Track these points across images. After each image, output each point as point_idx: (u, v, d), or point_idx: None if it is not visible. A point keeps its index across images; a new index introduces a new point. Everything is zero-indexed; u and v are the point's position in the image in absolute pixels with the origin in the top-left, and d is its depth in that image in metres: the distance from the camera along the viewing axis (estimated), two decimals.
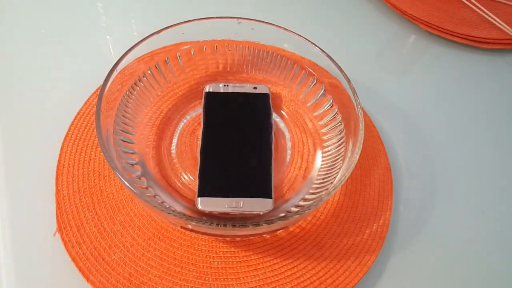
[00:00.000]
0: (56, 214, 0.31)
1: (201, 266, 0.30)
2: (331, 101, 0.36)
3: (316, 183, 0.34)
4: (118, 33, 0.47)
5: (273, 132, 0.36)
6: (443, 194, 0.37)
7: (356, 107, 0.31)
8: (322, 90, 0.37)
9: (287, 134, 0.37)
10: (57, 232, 0.31)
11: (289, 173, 0.35)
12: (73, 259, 0.29)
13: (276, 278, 0.30)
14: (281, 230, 0.31)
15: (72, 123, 0.37)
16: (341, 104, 0.35)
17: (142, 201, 0.26)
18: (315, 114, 0.38)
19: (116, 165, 0.27)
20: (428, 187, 0.38)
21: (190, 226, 0.27)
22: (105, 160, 0.32)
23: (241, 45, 0.39)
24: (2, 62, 0.42)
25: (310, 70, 0.37)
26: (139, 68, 0.35)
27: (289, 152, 0.36)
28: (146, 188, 0.32)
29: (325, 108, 0.37)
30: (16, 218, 0.32)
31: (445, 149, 0.41)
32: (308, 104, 0.38)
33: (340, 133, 0.34)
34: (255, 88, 0.38)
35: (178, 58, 0.38)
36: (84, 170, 0.34)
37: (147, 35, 0.34)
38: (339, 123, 0.35)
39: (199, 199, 0.31)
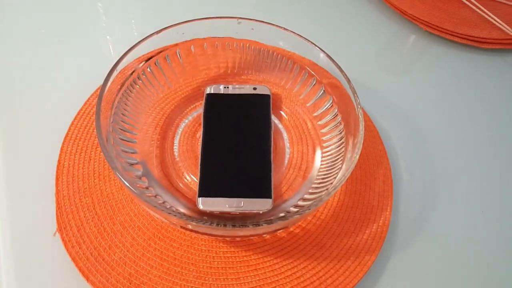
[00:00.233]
0: (56, 214, 0.31)
1: (201, 266, 0.30)
2: (331, 101, 0.36)
3: (315, 183, 0.34)
4: (118, 33, 0.47)
5: (273, 132, 0.36)
6: (443, 194, 0.37)
7: (356, 107, 0.31)
8: (322, 90, 0.37)
9: (286, 135, 0.37)
10: (57, 232, 0.31)
11: (288, 173, 0.35)
12: (73, 259, 0.29)
13: (276, 278, 0.30)
14: (281, 230, 0.31)
15: (72, 123, 0.37)
16: (341, 104, 0.35)
17: (142, 201, 0.26)
18: (315, 114, 0.38)
19: (116, 165, 0.27)
20: (428, 187, 0.38)
21: (190, 226, 0.27)
22: (105, 160, 0.32)
23: (241, 45, 0.39)
24: (2, 62, 0.42)
25: (310, 70, 0.37)
26: (140, 68, 0.35)
27: (288, 151, 0.36)
28: (147, 188, 0.32)
29: (325, 108, 0.37)
30: (16, 218, 0.32)
31: (445, 149, 0.41)
32: (307, 105, 0.38)
33: (340, 133, 0.34)
34: (255, 88, 0.38)
35: (179, 57, 0.38)
36: (84, 170, 0.34)
37: (147, 35, 0.34)
38: (339, 123, 0.35)
39: (200, 199, 0.31)
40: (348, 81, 0.33)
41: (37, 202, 0.33)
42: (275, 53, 0.39)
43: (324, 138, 0.36)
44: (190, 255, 0.31)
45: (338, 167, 0.32)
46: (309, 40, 0.35)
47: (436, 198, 0.37)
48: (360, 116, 0.31)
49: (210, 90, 0.38)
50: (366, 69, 0.47)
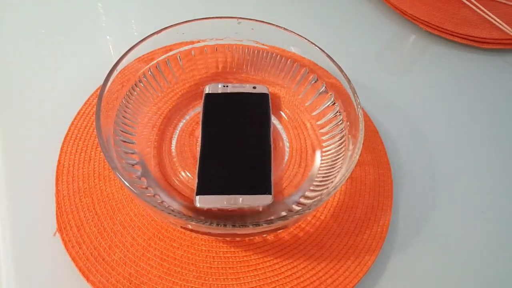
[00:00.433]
0: (56, 214, 0.31)
1: (201, 266, 0.30)
2: (331, 100, 0.36)
3: (316, 181, 0.34)
4: (118, 33, 0.47)
5: (272, 131, 0.36)
6: (443, 194, 0.37)
7: (356, 107, 0.31)
8: (322, 90, 0.37)
9: (285, 135, 0.37)
10: (57, 232, 0.31)
11: (288, 171, 0.35)
12: (73, 259, 0.29)
13: (276, 278, 0.30)
14: (281, 230, 0.31)
15: (72, 123, 0.37)
16: (341, 104, 0.35)
17: (142, 201, 0.26)
18: (313, 113, 0.38)
19: (116, 165, 0.27)
20: (428, 187, 0.38)
21: (190, 226, 0.27)
22: (105, 160, 0.32)
23: (241, 45, 0.39)
24: (2, 62, 0.42)
25: (310, 70, 0.37)
26: (139, 68, 0.35)
27: (287, 150, 0.36)
28: (146, 188, 0.32)
29: (325, 107, 0.37)
30: (16, 218, 0.32)
31: (445, 149, 0.41)
32: (306, 104, 0.38)
33: (341, 133, 0.34)
34: (254, 88, 0.38)
35: (178, 58, 0.38)
36: (84, 170, 0.34)
37: (147, 35, 0.34)
38: (340, 122, 0.35)
39: (197, 197, 0.31)
40: (348, 81, 0.33)
41: (37, 202, 0.33)
42: (275, 53, 0.39)
43: (324, 137, 0.36)
44: (190, 255, 0.31)
45: (338, 166, 0.32)
46: (309, 40, 0.35)
47: (436, 198, 0.37)
48: (360, 116, 0.31)
49: (209, 89, 0.38)
50: (366, 69, 0.47)
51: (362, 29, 0.52)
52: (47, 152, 0.35)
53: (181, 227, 0.28)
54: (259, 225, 0.25)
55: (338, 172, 0.31)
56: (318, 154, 0.36)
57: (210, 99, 0.37)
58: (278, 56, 0.39)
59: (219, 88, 0.38)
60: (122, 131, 0.33)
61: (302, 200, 0.33)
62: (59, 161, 0.34)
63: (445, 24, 0.50)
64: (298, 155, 0.36)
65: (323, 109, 0.37)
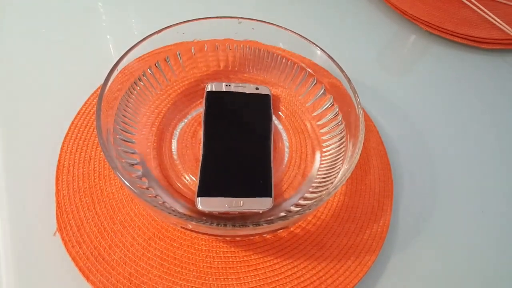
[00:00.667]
0: (56, 214, 0.31)
1: (201, 266, 0.30)
2: (331, 100, 0.36)
3: (316, 182, 0.34)
4: (118, 33, 0.47)
5: (273, 132, 0.36)
6: (443, 194, 0.37)
7: (356, 107, 0.31)
8: (322, 90, 0.37)
9: (285, 135, 0.37)
10: (57, 232, 0.31)
11: (288, 172, 0.35)
12: (73, 259, 0.29)
13: (276, 278, 0.30)
14: (281, 230, 0.31)
15: (72, 123, 0.37)
16: (342, 104, 0.35)
17: (142, 201, 0.26)
18: (314, 114, 0.38)
19: (116, 165, 0.27)
20: (428, 187, 0.38)
21: (190, 226, 0.27)
22: (105, 160, 0.32)
23: (241, 45, 0.39)
24: (2, 62, 0.42)
25: (310, 70, 0.37)
26: (140, 68, 0.35)
27: (287, 151, 0.36)
28: (147, 188, 0.32)
29: (325, 107, 0.37)
30: (16, 218, 0.32)
31: (445, 149, 0.41)
32: (307, 105, 0.38)
33: (341, 133, 0.34)
34: (257, 88, 0.38)
35: (179, 57, 0.38)
36: (84, 169, 0.34)
37: (147, 35, 0.34)
38: (340, 123, 0.35)
39: (198, 199, 0.31)
40: (349, 81, 0.33)
41: (37, 202, 0.33)
42: (275, 53, 0.39)
43: (324, 138, 0.36)
44: (190, 255, 0.30)
45: (338, 167, 0.32)
46: (309, 40, 0.35)
47: (436, 198, 0.37)
48: (360, 116, 0.31)
49: (211, 87, 0.38)
50: (367, 69, 0.47)
51: (363, 29, 0.52)
52: (47, 152, 0.35)
53: (181, 227, 0.28)
54: (259, 225, 0.25)
55: (338, 172, 0.31)
56: (318, 155, 0.36)
57: (212, 97, 0.37)
58: (279, 56, 0.39)
59: (221, 87, 0.38)
60: (122, 130, 0.33)
61: (301, 201, 0.33)
62: (59, 160, 0.34)
63: (445, 24, 0.50)
64: (298, 156, 0.36)
65: (323, 110, 0.37)
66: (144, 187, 0.31)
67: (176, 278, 0.29)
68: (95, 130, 0.35)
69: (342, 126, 0.34)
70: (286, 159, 0.36)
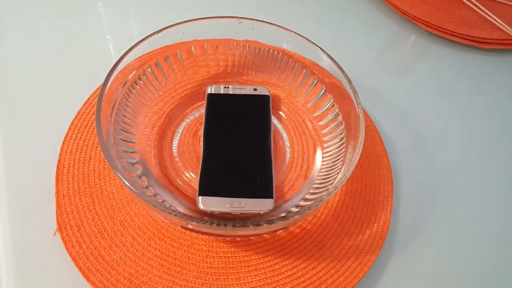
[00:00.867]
0: (56, 214, 0.31)
1: (201, 266, 0.30)
2: (331, 100, 0.36)
3: (316, 183, 0.34)
4: (118, 33, 0.47)
5: (272, 132, 0.36)
6: (443, 194, 0.37)
7: (356, 107, 0.31)
8: (323, 90, 0.37)
9: (286, 135, 0.37)
10: (57, 232, 0.31)
11: (289, 173, 0.35)
12: (73, 259, 0.29)
13: (276, 278, 0.30)
14: (282, 230, 0.31)
15: (72, 123, 0.37)
16: (342, 104, 0.35)
17: (142, 201, 0.26)
18: (315, 114, 0.38)
19: (116, 165, 0.27)
20: (428, 187, 0.38)
21: (190, 226, 0.27)
22: (105, 160, 0.32)
23: (241, 45, 0.39)
24: (2, 62, 0.42)
25: (311, 70, 0.37)
26: (140, 67, 0.35)
27: (288, 151, 0.36)
28: (147, 187, 0.32)
29: (326, 107, 0.37)
30: (16, 218, 0.32)
31: (445, 149, 0.41)
32: (308, 105, 0.38)
33: (341, 133, 0.34)
34: (255, 89, 0.38)
35: (179, 57, 0.38)
36: (84, 169, 0.34)
37: (147, 35, 0.34)
38: (340, 123, 0.35)
39: (200, 197, 0.31)
40: (349, 81, 0.33)
41: (37, 202, 0.33)
42: (275, 53, 0.39)
43: (325, 138, 0.36)
44: (190, 255, 0.30)
45: (338, 167, 0.32)
46: (309, 40, 0.35)
47: (436, 198, 0.37)
48: (360, 116, 0.31)
49: (211, 90, 0.38)
50: (367, 69, 0.47)
51: (363, 29, 0.52)
52: (47, 152, 0.35)
53: (182, 227, 0.28)
54: (259, 225, 0.25)
55: (338, 172, 0.31)
56: (319, 154, 0.36)
57: (213, 99, 0.37)
58: (279, 56, 0.39)
59: (220, 89, 0.38)
60: (122, 130, 0.33)
61: (302, 202, 0.33)
62: (59, 161, 0.34)
63: (445, 24, 0.50)
64: (300, 157, 0.36)
65: (323, 110, 0.37)
66: (144, 186, 0.31)
67: (176, 278, 0.29)
68: (95, 130, 0.35)
69: (343, 126, 0.34)
70: (287, 159, 0.36)
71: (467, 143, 0.42)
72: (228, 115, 0.37)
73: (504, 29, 0.50)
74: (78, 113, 0.37)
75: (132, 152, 0.33)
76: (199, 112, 0.38)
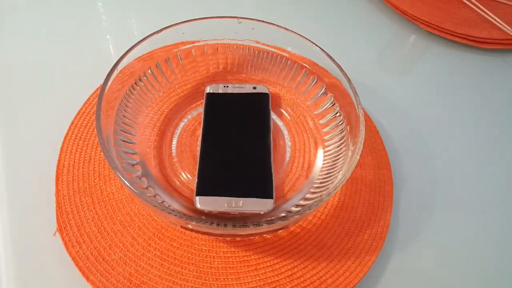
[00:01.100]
0: (56, 214, 0.31)
1: (201, 266, 0.30)
2: (332, 99, 0.36)
3: (316, 183, 0.34)
4: (118, 33, 0.47)
5: (272, 131, 0.36)
6: (443, 194, 0.37)
7: (356, 107, 0.31)
8: (323, 90, 0.37)
9: (286, 134, 0.37)
10: (57, 232, 0.31)
11: (290, 173, 0.35)
12: (73, 259, 0.29)
13: (276, 278, 0.30)
14: (282, 230, 0.31)
15: (72, 123, 0.37)
16: (342, 103, 0.35)
17: (142, 201, 0.26)
18: (316, 112, 0.38)
19: (116, 165, 0.27)
20: (428, 187, 0.38)
21: (190, 226, 0.27)
22: (105, 160, 0.32)
23: (241, 45, 0.39)
24: (2, 62, 0.42)
25: (311, 70, 0.37)
26: (140, 67, 0.35)
27: (288, 150, 0.36)
28: (147, 188, 0.32)
29: (326, 106, 0.37)
30: (16, 218, 0.32)
31: (445, 149, 0.41)
32: (308, 103, 0.38)
33: (342, 133, 0.34)
34: (254, 88, 0.38)
35: (179, 57, 0.38)
36: (84, 169, 0.34)
37: (147, 35, 0.34)
38: (341, 122, 0.35)
39: (197, 197, 0.31)
40: (349, 81, 0.33)
41: (37, 202, 0.33)
42: (275, 53, 0.39)
43: (326, 137, 0.36)
44: (190, 255, 0.30)
45: (339, 167, 0.32)
46: (309, 40, 0.35)
47: (436, 198, 0.37)
48: (360, 116, 0.31)
49: (210, 89, 0.38)
50: (367, 68, 0.47)
51: (362, 29, 0.52)
52: (47, 152, 0.35)
53: (181, 227, 0.28)
54: (259, 225, 0.25)
55: (338, 172, 0.31)
56: (320, 153, 0.36)
57: (211, 99, 0.37)
58: (279, 55, 0.39)
59: (219, 88, 0.38)
60: (122, 131, 0.33)
61: (302, 202, 0.33)
62: (59, 161, 0.34)
63: (445, 24, 0.50)
64: (301, 156, 0.36)
65: (324, 109, 0.37)
66: (144, 186, 0.31)
67: (176, 278, 0.29)
68: (95, 130, 0.35)
69: (343, 126, 0.34)
70: (287, 158, 0.36)
71: (467, 143, 0.42)
72: (227, 114, 0.37)
73: (504, 29, 0.50)
74: (78, 113, 0.37)
75: (132, 153, 0.33)
76: (197, 111, 0.38)
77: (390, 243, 0.34)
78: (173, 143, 0.36)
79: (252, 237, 0.31)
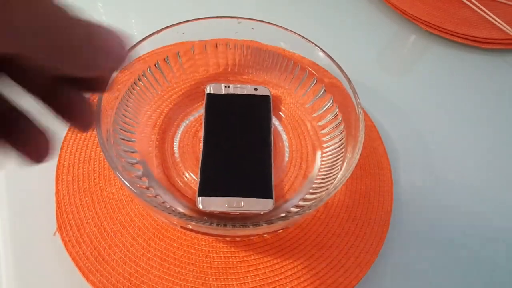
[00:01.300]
0: (56, 214, 0.31)
1: (201, 266, 0.30)
2: (331, 100, 0.36)
3: (316, 183, 0.34)
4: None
5: (273, 133, 0.36)
6: (443, 194, 0.37)
7: (356, 107, 0.31)
8: (322, 90, 0.37)
9: (285, 136, 0.37)
10: (57, 232, 0.31)
11: (288, 173, 0.35)
12: (73, 259, 0.29)
13: (276, 278, 0.30)
14: (281, 230, 0.31)
15: None
16: (342, 104, 0.35)
17: (142, 201, 0.26)
18: (314, 115, 0.38)
19: (116, 165, 0.27)
20: (428, 187, 0.38)
21: (190, 226, 0.27)
22: (105, 160, 0.31)
23: (241, 45, 0.39)
24: None
25: (311, 70, 0.37)
26: (139, 67, 0.35)
27: (287, 151, 0.36)
28: (147, 188, 0.32)
29: (326, 107, 0.37)
30: (16, 218, 0.32)
31: (445, 149, 0.41)
32: (307, 105, 0.38)
33: (341, 133, 0.34)
34: (256, 89, 0.38)
35: (178, 57, 0.38)
36: (84, 169, 0.34)
37: (147, 35, 0.34)
38: (340, 123, 0.35)
39: (199, 198, 0.31)
40: (349, 81, 0.33)
41: (37, 202, 0.33)
42: (275, 53, 0.39)
43: (324, 138, 0.36)
44: (190, 255, 0.30)
45: (338, 167, 0.32)
46: (309, 40, 0.35)
47: (436, 198, 0.37)
48: (360, 116, 0.31)
49: (210, 89, 0.38)
50: (367, 69, 0.47)
51: (362, 29, 0.52)
52: None
53: (181, 227, 0.28)
54: (259, 225, 0.25)
55: (338, 172, 0.31)
56: (318, 155, 0.36)
57: (212, 99, 0.37)
58: (279, 56, 0.39)
59: (220, 88, 0.38)
60: (122, 130, 0.33)
61: (301, 202, 0.33)
62: (59, 161, 0.34)
63: (445, 24, 0.50)
64: (298, 157, 0.36)
65: (323, 110, 0.37)
66: (144, 186, 0.31)
67: (176, 278, 0.29)
68: (95, 130, 0.35)
69: (342, 126, 0.34)
70: (286, 159, 0.36)
71: (467, 143, 0.42)
72: (228, 115, 0.37)
73: (504, 29, 0.50)
74: None
75: (132, 152, 0.33)
76: (198, 112, 0.38)
77: (390, 243, 0.34)
78: (175, 143, 0.36)
79: (252, 238, 0.31)
